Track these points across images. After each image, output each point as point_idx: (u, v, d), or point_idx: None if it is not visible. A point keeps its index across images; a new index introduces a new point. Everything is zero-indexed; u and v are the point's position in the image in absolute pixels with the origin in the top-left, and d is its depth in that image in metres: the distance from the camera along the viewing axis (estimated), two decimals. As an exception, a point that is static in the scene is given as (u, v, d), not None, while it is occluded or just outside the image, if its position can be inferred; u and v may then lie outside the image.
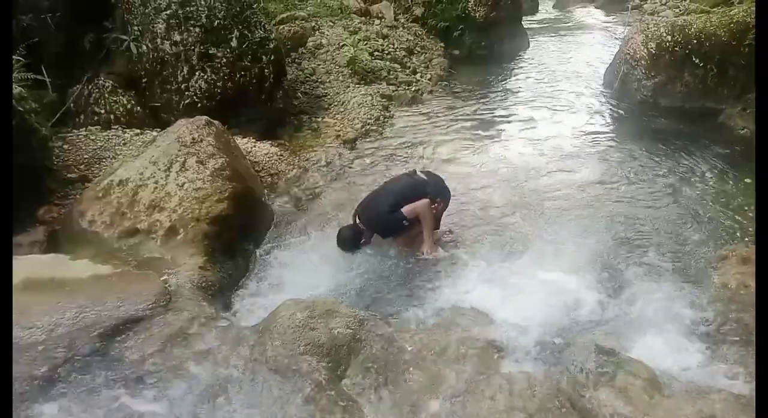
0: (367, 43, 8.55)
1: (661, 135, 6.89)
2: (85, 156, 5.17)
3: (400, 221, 4.31)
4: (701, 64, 7.37)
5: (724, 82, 7.33)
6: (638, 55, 7.84)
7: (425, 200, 4.36)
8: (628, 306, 3.94)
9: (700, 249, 4.62)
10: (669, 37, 7.54)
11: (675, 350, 3.48)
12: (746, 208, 5.23)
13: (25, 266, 3.60)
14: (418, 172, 4.70)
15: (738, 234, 4.85)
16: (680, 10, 10.40)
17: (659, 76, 7.66)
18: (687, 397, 2.91)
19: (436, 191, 4.52)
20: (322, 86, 7.52)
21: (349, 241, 4.43)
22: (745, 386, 3.12)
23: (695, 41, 7.37)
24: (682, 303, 3.92)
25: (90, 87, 5.87)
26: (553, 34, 11.98)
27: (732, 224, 5.01)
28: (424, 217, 4.36)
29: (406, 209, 4.30)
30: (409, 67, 8.65)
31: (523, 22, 11.22)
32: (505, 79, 9.14)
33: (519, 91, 8.59)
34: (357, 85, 7.67)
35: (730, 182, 5.75)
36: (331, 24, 8.91)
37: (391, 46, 8.85)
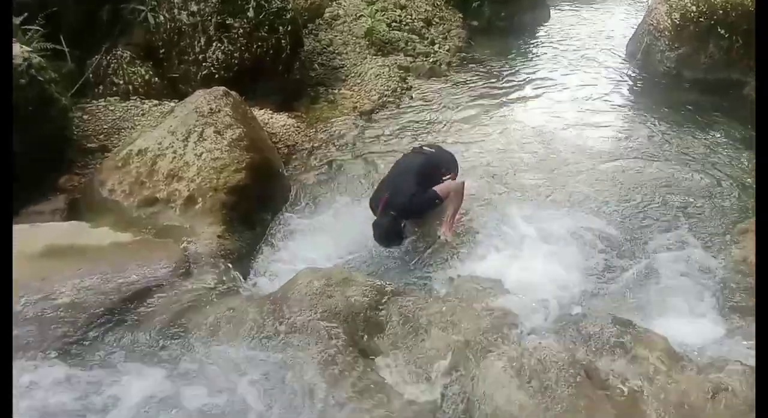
0: (384, 14, 8.42)
1: (685, 106, 6.77)
2: (105, 126, 5.20)
3: (433, 200, 4.17)
4: (726, 35, 7.16)
5: (749, 54, 7.12)
6: (662, 26, 7.64)
7: (461, 183, 4.27)
8: (646, 277, 3.93)
9: (721, 221, 4.57)
10: (693, 8, 7.32)
11: (692, 323, 3.48)
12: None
13: (47, 233, 3.68)
14: (425, 148, 4.65)
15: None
16: (706, -20, 10.09)
17: (683, 47, 7.46)
18: (703, 369, 2.92)
19: (449, 166, 4.49)
20: (338, 57, 7.45)
21: (392, 232, 4.10)
22: (762, 359, 3.11)
23: (721, 11, 7.16)
24: (701, 276, 3.90)
25: (108, 58, 5.87)
26: (573, 5, 11.72)
27: (753, 196, 4.93)
28: (456, 198, 4.23)
29: (440, 188, 4.17)
30: (427, 38, 8.50)
31: (543, -8, 11.01)
32: (525, 50, 8.98)
33: (539, 62, 8.44)
34: (374, 57, 7.57)
35: (752, 154, 5.64)
36: (349, -6, 8.79)
37: (409, 16, 8.70)
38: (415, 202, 4.15)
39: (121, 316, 3.09)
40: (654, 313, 3.59)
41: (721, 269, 3.99)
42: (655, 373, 2.91)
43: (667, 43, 7.57)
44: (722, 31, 7.15)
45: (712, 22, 7.19)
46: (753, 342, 3.32)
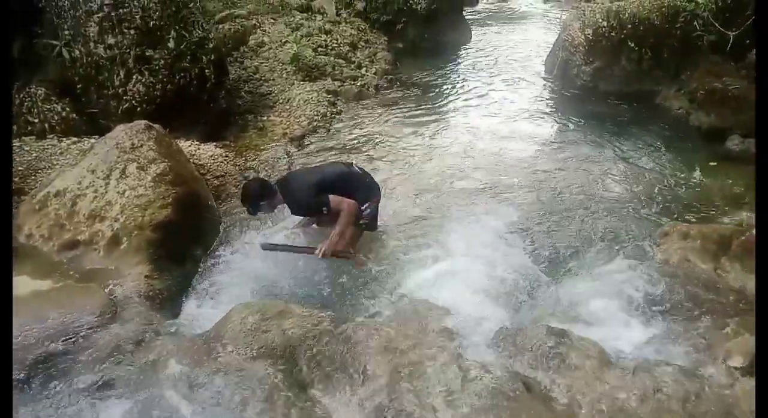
0: (310, 39, 8.48)
1: (602, 117, 7.12)
2: (20, 168, 4.96)
3: (320, 205, 4.02)
4: (636, 48, 7.56)
5: (658, 65, 7.55)
6: (576, 42, 8.01)
7: (354, 203, 4.07)
8: (575, 285, 4.04)
9: (642, 225, 4.77)
10: (605, 23, 7.71)
11: (622, 327, 3.58)
12: (683, 185, 5.43)
13: (-41, 286, 3.44)
14: (354, 164, 4.56)
15: (677, 210, 5.02)
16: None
17: (597, 61, 7.84)
18: (635, 372, 3.00)
19: (369, 192, 4.33)
20: (266, 84, 7.42)
21: (253, 197, 4.06)
22: (688, 359, 3.24)
23: (630, 26, 7.56)
24: (627, 281, 4.03)
25: (21, 96, 5.64)
26: (494, 24, 12.15)
27: (671, 200, 5.18)
28: (344, 217, 4.04)
29: (333, 199, 4.02)
30: (354, 61, 8.61)
31: (464, 13, 11.36)
32: (449, 70, 9.23)
33: (463, 80, 8.69)
34: (302, 82, 7.60)
35: (667, 161, 5.95)
36: (273, 21, 8.80)
37: (335, 41, 8.79)
38: (303, 197, 4.03)
39: (43, 370, 2.92)
40: (587, 319, 3.68)
41: (646, 272, 4.13)
42: (591, 380, 2.98)
43: (582, 57, 7.94)
44: (632, 45, 7.55)
45: (623, 36, 7.58)
46: (680, 341, 3.47)
